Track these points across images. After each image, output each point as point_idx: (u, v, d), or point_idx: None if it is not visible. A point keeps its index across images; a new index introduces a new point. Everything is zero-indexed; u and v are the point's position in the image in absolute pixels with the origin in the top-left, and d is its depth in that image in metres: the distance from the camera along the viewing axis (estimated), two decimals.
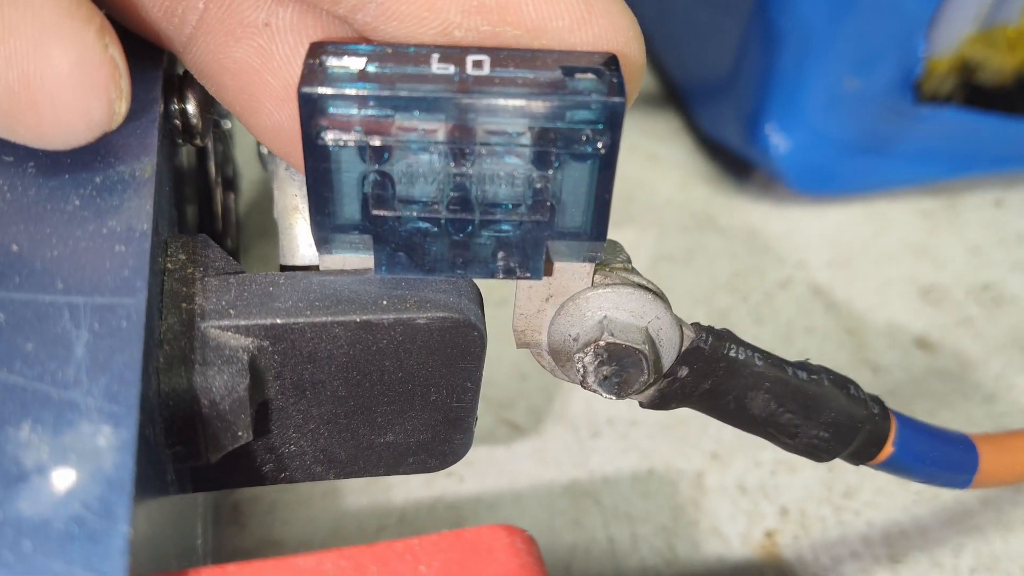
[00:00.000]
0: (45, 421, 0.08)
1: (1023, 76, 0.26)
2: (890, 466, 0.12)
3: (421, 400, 0.11)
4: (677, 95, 0.29)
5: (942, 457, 0.12)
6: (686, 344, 0.11)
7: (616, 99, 0.09)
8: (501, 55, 0.10)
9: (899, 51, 0.23)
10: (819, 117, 0.24)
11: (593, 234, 0.11)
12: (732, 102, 0.26)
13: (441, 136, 0.10)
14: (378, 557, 0.08)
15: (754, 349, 0.11)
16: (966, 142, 0.26)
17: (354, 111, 0.09)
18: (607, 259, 0.12)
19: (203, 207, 0.14)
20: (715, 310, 0.23)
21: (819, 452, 0.12)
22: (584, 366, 0.11)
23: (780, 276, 0.24)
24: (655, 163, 0.27)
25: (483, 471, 0.19)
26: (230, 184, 0.15)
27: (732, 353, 0.11)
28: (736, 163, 0.27)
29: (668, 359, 0.11)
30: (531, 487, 0.19)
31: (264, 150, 0.14)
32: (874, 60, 0.23)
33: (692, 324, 0.11)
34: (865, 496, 0.19)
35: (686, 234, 0.25)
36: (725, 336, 0.11)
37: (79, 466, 0.07)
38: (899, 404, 0.21)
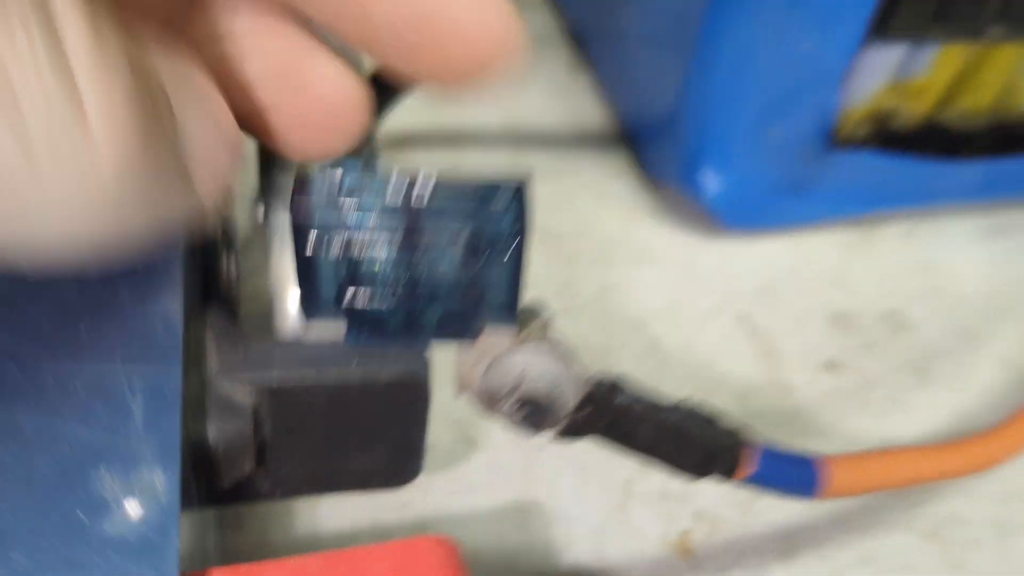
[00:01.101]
0: (117, 465, 0.11)
1: (931, 122, 0.30)
2: (749, 483, 0.16)
3: (382, 435, 0.15)
4: (626, 137, 0.33)
5: (787, 476, 0.16)
6: (584, 393, 0.15)
7: (519, 223, 0.13)
8: (439, 185, 0.13)
9: (816, 103, 0.27)
10: (747, 161, 0.28)
11: (511, 308, 0.14)
12: (672, 145, 0.30)
13: (396, 247, 0.13)
14: (320, 566, 0.12)
15: (638, 396, 0.15)
16: (880, 181, 0.30)
17: (335, 235, 0.13)
18: (528, 322, 0.16)
19: (207, 267, 0.18)
20: (648, 336, 0.27)
21: (691, 474, 0.16)
22: (507, 410, 0.15)
23: (710, 304, 0.28)
24: (604, 199, 0.31)
25: (445, 480, 0.23)
26: (230, 245, 0.19)
27: (619, 400, 0.15)
28: (676, 200, 0.30)
29: (571, 404, 0.15)
30: (484, 494, 0.23)
31: (260, 219, 0.18)
32: (794, 111, 0.27)
33: (590, 376, 0.15)
34: (767, 501, 0.23)
35: (627, 265, 0.29)
36: (616, 386, 0.15)
37: (142, 498, 0.11)
38: (804, 419, 0.26)
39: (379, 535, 0.21)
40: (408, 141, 0.31)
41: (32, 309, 0.13)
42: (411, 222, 0.13)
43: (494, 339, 0.15)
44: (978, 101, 0.30)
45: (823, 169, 0.29)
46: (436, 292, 0.14)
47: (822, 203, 0.29)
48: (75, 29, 0.09)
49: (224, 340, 0.14)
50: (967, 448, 0.19)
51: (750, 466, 0.16)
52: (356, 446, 0.15)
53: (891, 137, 0.30)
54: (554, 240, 0.29)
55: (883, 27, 0.26)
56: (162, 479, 0.11)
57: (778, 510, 0.23)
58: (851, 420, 0.26)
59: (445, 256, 0.14)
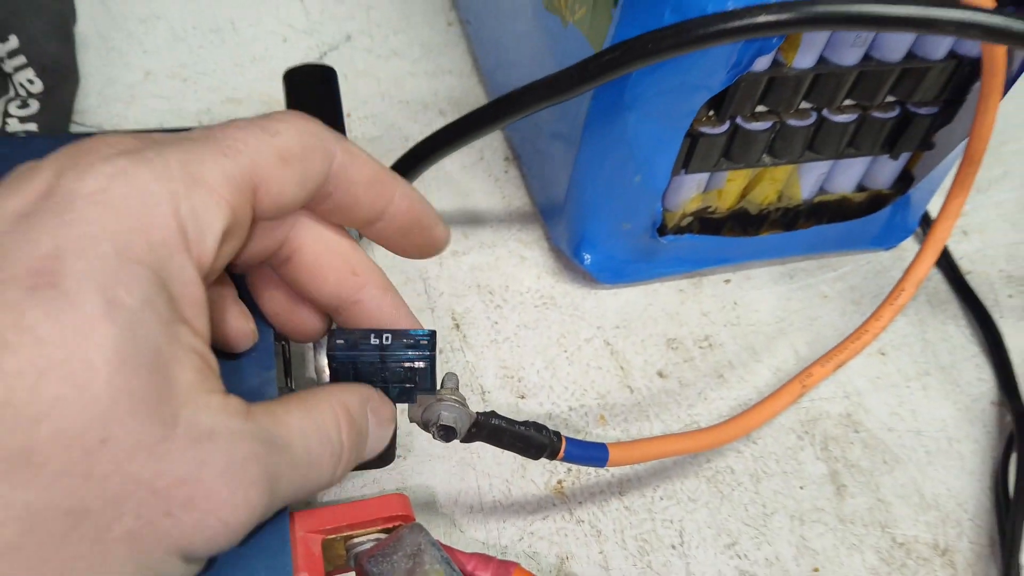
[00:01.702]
0: None
1: (735, 211, 0.45)
2: (565, 459, 0.31)
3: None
4: (540, 217, 0.47)
5: (587, 455, 0.31)
6: (472, 420, 0.30)
7: (432, 351, 0.28)
8: (395, 334, 0.28)
9: (647, 210, 0.42)
10: (610, 243, 0.43)
11: (432, 387, 0.29)
12: (565, 231, 0.44)
13: (376, 364, 0.28)
14: (315, 514, 0.26)
15: (502, 420, 0.30)
16: (702, 251, 0.44)
17: (348, 362, 0.28)
18: (447, 386, 0.30)
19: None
20: (547, 358, 0.42)
21: (535, 457, 0.30)
22: (433, 431, 0.29)
23: (587, 335, 0.43)
24: (522, 261, 0.46)
25: (417, 456, 0.38)
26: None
27: (493, 421, 0.30)
28: (569, 264, 0.45)
29: (466, 426, 0.30)
30: (440, 463, 0.38)
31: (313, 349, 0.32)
32: (635, 215, 0.42)
33: (475, 413, 0.30)
34: None
35: (537, 309, 0.44)
36: (490, 415, 0.30)
37: None
38: (642, 409, 0.40)
39: (374, 492, 0.37)
40: None
41: None
42: (382, 354, 0.28)
43: (425, 399, 0.29)
44: (766, 197, 0.44)
45: (659, 248, 0.43)
46: (395, 382, 0.29)
47: (661, 267, 0.44)
48: (366, 430, 0.24)
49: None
50: (693, 436, 0.34)
51: (564, 449, 0.31)
52: None
53: (709, 221, 0.44)
54: (486, 293, 0.44)
55: (686, 166, 0.40)
56: None
57: (617, 469, 0.38)
58: (671, 410, 0.41)
59: (399, 368, 0.28)
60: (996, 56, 0.35)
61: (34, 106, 0.43)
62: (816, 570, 0.36)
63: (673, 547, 0.36)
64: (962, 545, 0.38)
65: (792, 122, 0.40)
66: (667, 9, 0.33)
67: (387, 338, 0.26)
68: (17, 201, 0.19)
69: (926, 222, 0.49)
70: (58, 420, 0.17)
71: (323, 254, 0.26)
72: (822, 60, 0.37)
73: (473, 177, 0.48)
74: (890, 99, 0.41)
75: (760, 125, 0.39)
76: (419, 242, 0.27)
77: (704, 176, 0.42)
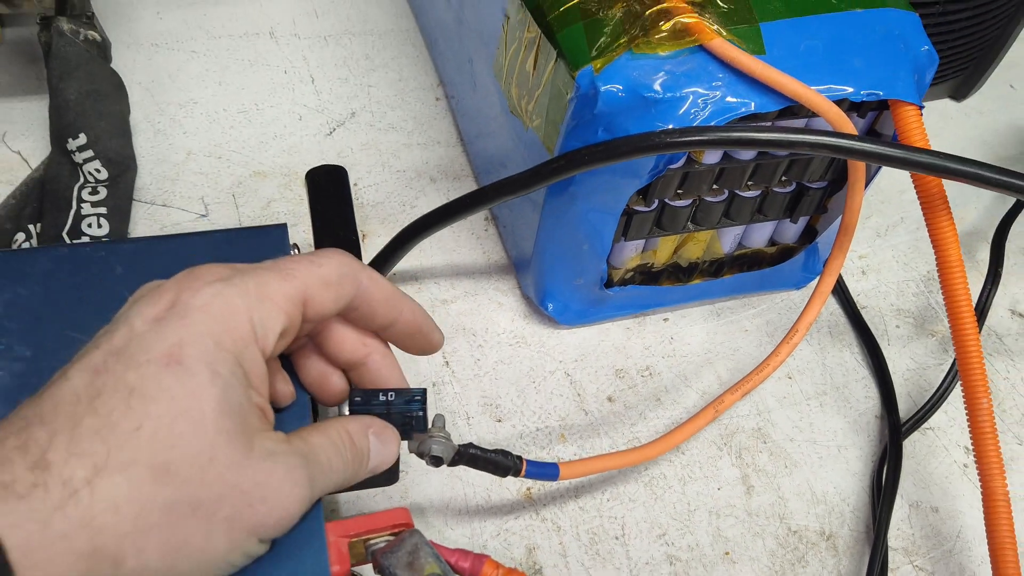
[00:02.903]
0: None
1: (670, 265, 0.54)
2: (527, 477, 0.40)
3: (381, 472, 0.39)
4: (514, 269, 0.56)
5: (542, 472, 0.41)
6: (455, 450, 0.39)
7: (424, 405, 0.37)
8: (395, 392, 0.37)
9: (595, 269, 0.51)
10: (567, 295, 0.52)
11: (425, 428, 0.38)
12: (531, 280, 0.53)
13: (384, 412, 0.37)
14: (342, 524, 0.36)
15: (479, 449, 0.39)
16: (642, 298, 0.54)
17: (364, 413, 0.37)
18: (436, 425, 0.40)
19: None
20: (519, 388, 0.51)
21: (502, 475, 0.40)
22: (426, 459, 0.39)
23: (550, 367, 0.52)
24: (500, 307, 0.55)
25: (415, 474, 0.47)
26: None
27: (470, 451, 0.39)
28: (536, 309, 0.54)
29: (451, 455, 0.39)
30: (434, 477, 0.47)
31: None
32: (585, 273, 0.51)
33: (458, 445, 0.39)
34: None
35: (511, 347, 0.53)
36: (469, 446, 0.39)
37: None
38: (595, 429, 0.50)
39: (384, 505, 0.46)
40: (395, 276, 0.55)
41: None
42: (388, 407, 0.37)
43: (420, 436, 0.39)
44: (693, 253, 0.53)
45: (607, 297, 0.53)
46: (397, 425, 0.38)
47: (610, 311, 0.53)
48: (366, 445, 0.33)
49: None
50: (623, 454, 0.43)
51: (525, 469, 0.40)
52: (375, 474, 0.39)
53: (649, 273, 0.54)
54: (469, 335, 0.53)
55: (625, 235, 0.49)
56: None
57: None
58: (618, 428, 0.50)
59: (400, 416, 0.37)
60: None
61: (102, 192, 0.52)
62: (727, 553, 0.46)
63: (616, 538, 0.46)
64: (843, 532, 0.47)
65: (708, 199, 0.49)
66: (600, 129, 0.42)
67: (391, 395, 0.36)
68: (153, 310, 0.28)
69: None
70: (185, 447, 0.26)
71: (343, 331, 0.35)
72: (726, 156, 0.47)
73: (458, 235, 0.58)
74: (784, 179, 0.50)
75: (683, 203, 0.48)
76: (421, 344, 0.36)
77: (641, 241, 0.51)
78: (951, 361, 0.54)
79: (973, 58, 0.69)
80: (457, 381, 0.51)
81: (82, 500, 0.24)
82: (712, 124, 0.41)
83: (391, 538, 0.35)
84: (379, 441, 0.34)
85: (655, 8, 0.42)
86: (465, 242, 0.57)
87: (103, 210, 0.52)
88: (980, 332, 0.54)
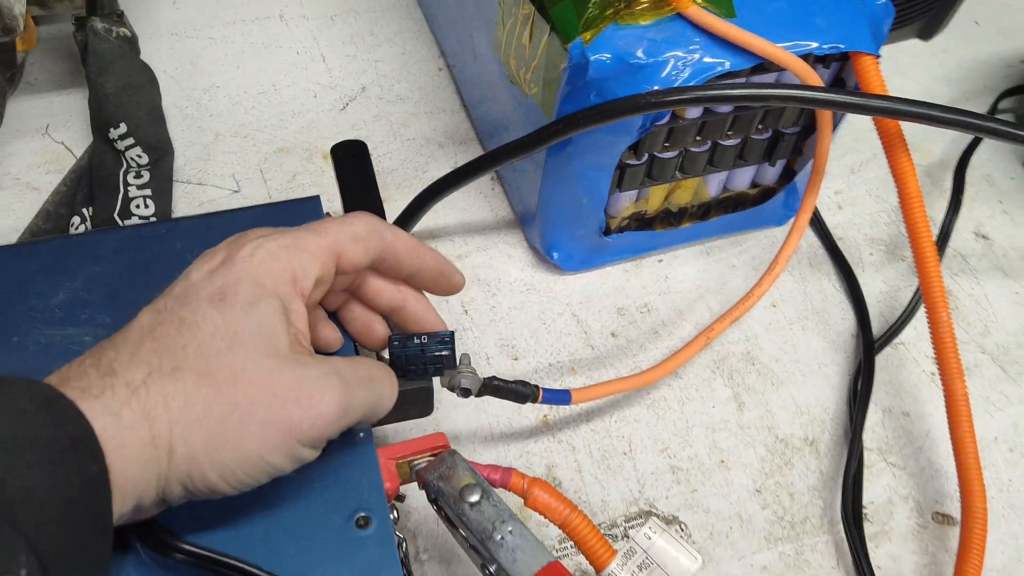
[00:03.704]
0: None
1: (661, 211, 0.59)
2: (543, 403, 0.46)
3: (417, 404, 0.44)
4: (520, 224, 0.62)
5: (557, 398, 0.46)
6: (481, 382, 0.44)
7: (452, 344, 0.42)
8: (428, 338, 0.42)
9: (594, 218, 0.56)
10: (570, 243, 0.57)
11: (454, 364, 0.43)
12: (536, 230, 0.58)
13: (419, 352, 0.43)
14: (391, 449, 0.41)
15: (502, 380, 0.45)
16: (638, 243, 0.59)
17: (401, 354, 0.42)
18: (463, 362, 0.45)
19: None
20: (531, 329, 0.57)
21: (522, 402, 0.45)
22: (456, 391, 0.44)
23: (558, 309, 0.58)
24: (509, 259, 0.60)
25: (447, 407, 0.53)
26: None
27: (494, 383, 0.44)
28: (543, 258, 0.60)
29: (477, 387, 0.44)
30: (463, 410, 0.53)
31: None
32: (585, 222, 0.56)
33: (483, 377, 0.45)
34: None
35: (521, 294, 0.58)
36: (492, 379, 0.44)
37: None
38: (600, 362, 0.56)
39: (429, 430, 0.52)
40: (417, 234, 0.60)
41: None
42: (422, 348, 0.42)
43: (451, 372, 0.44)
44: (684, 198, 0.58)
45: (607, 243, 0.58)
46: (431, 364, 0.43)
47: (610, 256, 0.59)
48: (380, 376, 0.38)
49: None
50: (634, 377, 0.49)
51: (541, 396, 0.46)
52: (409, 411, 0.44)
53: (643, 219, 0.59)
54: (484, 285, 0.58)
55: (619, 186, 0.54)
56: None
57: (585, 404, 0.53)
58: (621, 359, 0.56)
59: (433, 356, 0.43)
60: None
61: (145, 176, 0.58)
62: (723, 462, 0.52)
63: (624, 453, 0.51)
64: (824, 437, 0.53)
65: (693, 149, 0.54)
66: (592, 93, 0.47)
67: (424, 338, 0.41)
68: (207, 265, 0.34)
69: None
70: (222, 359, 0.31)
71: (378, 282, 0.40)
72: (706, 111, 0.51)
73: (468, 195, 0.63)
74: (760, 127, 0.55)
75: (670, 155, 0.53)
76: (445, 285, 0.41)
77: (635, 192, 0.56)
78: (918, 282, 0.59)
79: None
80: (476, 327, 0.56)
81: (140, 396, 0.29)
82: (691, 84, 0.46)
83: (432, 458, 0.40)
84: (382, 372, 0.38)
85: None
86: (474, 201, 0.62)
87: (148, 192, 0.57)
88: (944, 254, 0.60)
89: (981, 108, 0.72)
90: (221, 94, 0.67)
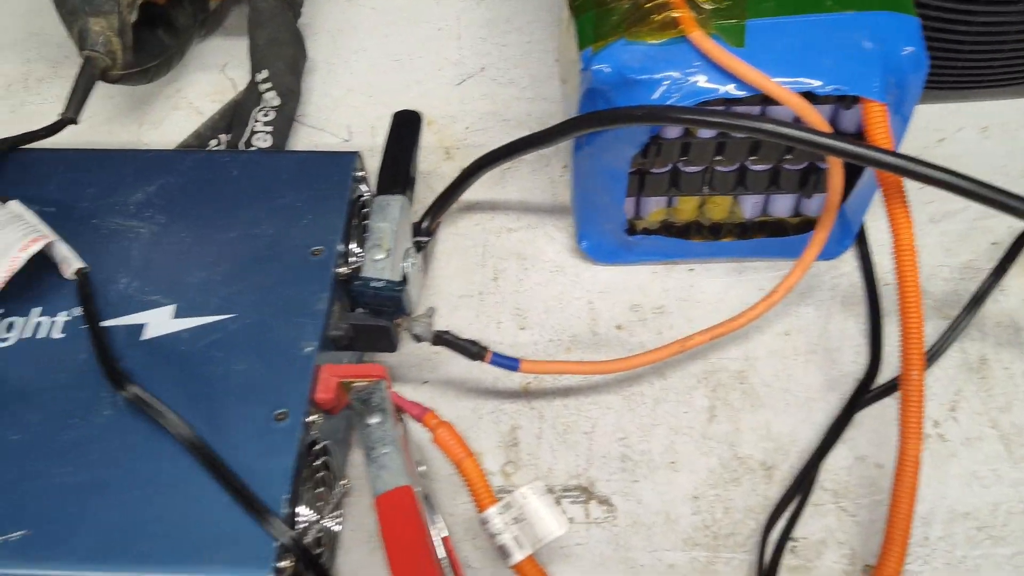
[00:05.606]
0: None
1: (693, 222, 0.61)
2: (492, 364, 0.51)
3: (380, 339, 0.52)
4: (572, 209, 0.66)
5: (505, 363, 0.51)
6: (435, 334, 0.51)
7: (398, 296, 0.49)
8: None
9: (615, 218, 0.59)
10: (599, 238, 0.61)
11: (408, 313, 0.50)
12: (572, 219, 0.63)
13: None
14: (337, 368, 0.49)
15: (454, 336, 0.51)
16: (668, 248, 0.61)
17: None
18: (426, 313, 0.52)
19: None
20: (546, 306, 0.62)
21: (472, 358, 0.51)
22: (412, 336, 0.51)
23: (577, 294, 0.62)
24: (551, 240, 0.65)
25: (446, 355, 0.60)
26: None
27: (446, 336, 0.51)
28: (576, 247, 0.64)
29: (429, 336, 0.51)
30: (454, 364, 0.60)
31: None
32: (610, 220, 0.60)
33: (436, 329, 0.51)
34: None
35: (549, 273, 0.63)
36: (445, 332, 0.51)
37: None
38: (596, 348, 0.60)
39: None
40: (472, 206, 0.67)
41: None
42: (375, 294, 0.49)
43: (407, 318, 0.51)
44: (717, 214, 0.60)
45: (633, 242, 0.61)
46: (384, 307, 0.50)
47: (638, 255, 0.62)
48: None
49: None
50: (588, 364, 0.53)
51: (490, 357, 0.51)
52: (376, 340, 0.51)
53: (672, 227, 0.61)
54: (521, 259, 0.64)
55: (641, 192, 0.58)
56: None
57: (567, 382, 0.58)
58: (616, 350, 0.59)
59: (386, 298, 0.50)
60: None
61: (272, 115, 0.69)
62: (673, 463, 0.54)
63: (585, 432, 0.56)
64: (783, 466, 0.54)
65: (719, 168, 0.56)
66: (599, 100, 0.51)
67: (381, 283, 0.49)
68: None
69: (861, 238, 0.62)
70: None
71: None
72: (721, 133, 0.53)
73: (535, 176, 0.68)
74: (789, 156, 0.55)
75: (693, 169, 0.56)
76: None
77: (663, 199, 0.59)
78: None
79: None
80: (499, 293, 0.62)
81: None
82: (680, 105, 0.48)
83: (367, 384, 0.48)
84: None
85: (655, 2, 0.50)
86: (540, 183, 0.68)
87: (270, 129, 0.68)
88: (977, 315, 0.57)
89: None
90: (365, 56, 0.77)
